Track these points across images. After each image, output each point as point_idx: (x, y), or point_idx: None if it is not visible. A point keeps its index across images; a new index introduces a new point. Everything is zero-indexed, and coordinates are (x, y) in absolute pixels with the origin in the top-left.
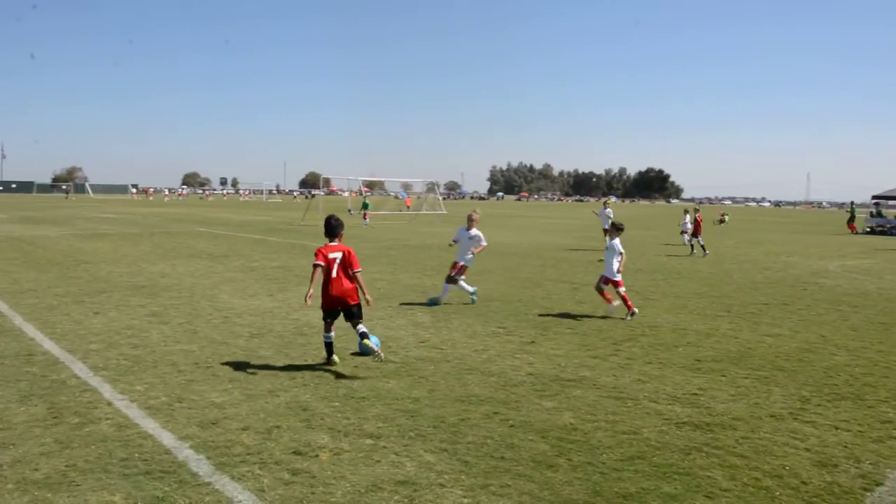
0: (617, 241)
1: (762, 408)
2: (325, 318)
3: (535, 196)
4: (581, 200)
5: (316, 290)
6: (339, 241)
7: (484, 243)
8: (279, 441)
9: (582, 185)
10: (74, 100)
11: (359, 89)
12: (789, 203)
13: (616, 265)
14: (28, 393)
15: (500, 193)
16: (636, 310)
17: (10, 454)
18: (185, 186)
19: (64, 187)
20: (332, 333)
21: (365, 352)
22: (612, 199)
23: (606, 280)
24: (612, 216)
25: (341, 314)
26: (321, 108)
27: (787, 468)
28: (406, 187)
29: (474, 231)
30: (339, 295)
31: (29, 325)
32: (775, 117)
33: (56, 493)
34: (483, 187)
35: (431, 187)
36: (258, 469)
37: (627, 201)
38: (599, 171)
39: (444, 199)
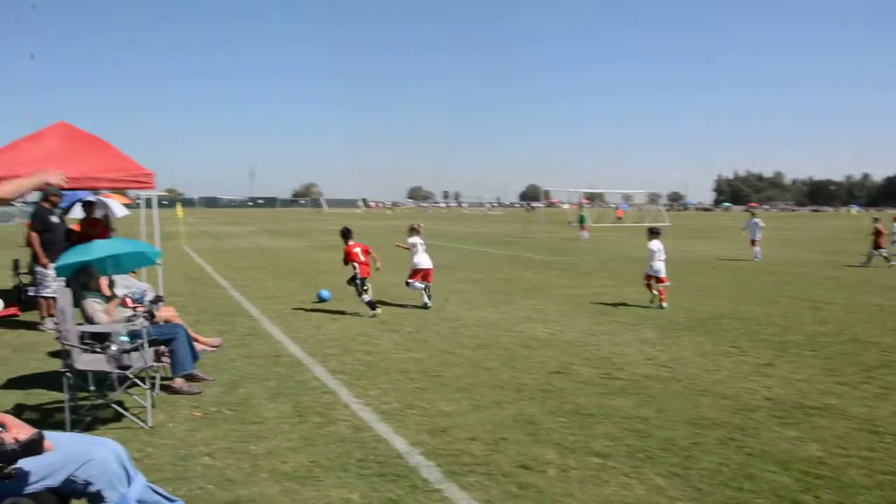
0: (651, 242)
1: None
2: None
3: (766, 206)
4: (817, 210)
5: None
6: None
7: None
8: (506, 453)
9: (818, 194)
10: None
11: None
12: None
13: (658, 264)
14: (277, 391)
15: (727, 204)
16: (665, 304)
17: (263, 446)
18: (410, 200)
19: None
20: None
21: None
22: (756, 209)
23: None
24: (761, 225)
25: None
26: (543, 121)
27: None
28: (626, 199)
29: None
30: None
31: (276, 328)
32: None
33: (302, 485)
34: (708, 198)
35: (653, 198)
36: (486, 480)
37: (873, 209)
38: (838, 177)
39: (666, 210)
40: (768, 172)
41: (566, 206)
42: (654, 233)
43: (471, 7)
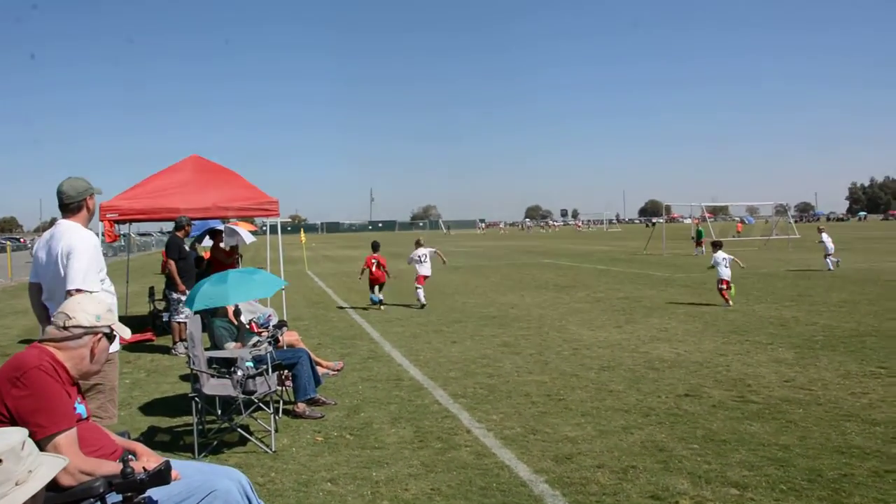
0: (716, 254)
1: None
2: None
3: None
4: None
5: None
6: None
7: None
8: (635, 483)
9: None
10: (420, 149)
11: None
12: None
13: (724, 271)
14: (398, 416)
15: (863, 213)
16: (731, 302)
17: (384, 472)
18: (528, 220)
19: (439, 223)
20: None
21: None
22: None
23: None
24: (826, 241)
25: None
26: (663, 137)
27: None
28: (752, 211)
29: (422, 250)
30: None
31: (396, 351)
32: None
33: None
34: (841, 207)
35: (781, 210)
36: None
37: None
38: None
39: (795, 222)
40: None
41: (688, 221)
42: (716, 245)
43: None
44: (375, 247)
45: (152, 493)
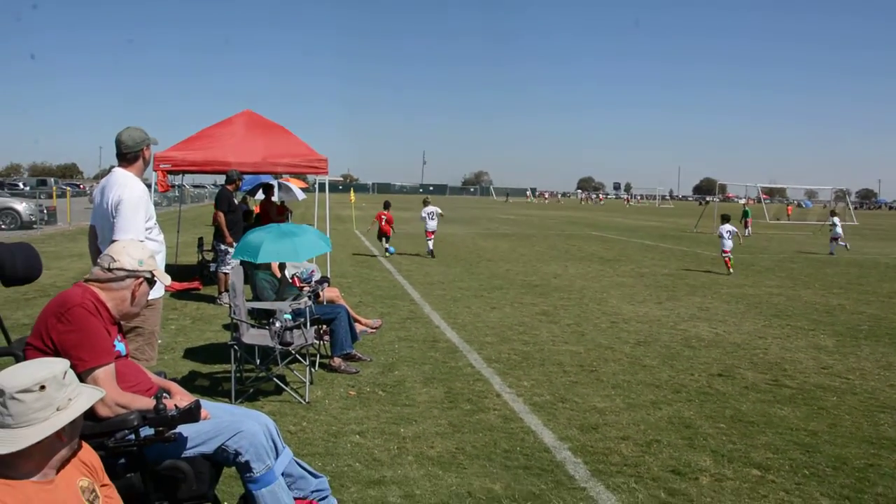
0: (722, 226)
1: None
2: None
3: None
4: None
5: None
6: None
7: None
8: (658, 456)
9: None
10: (476, 112)
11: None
12: None
13: (727, 243)
14: (431, 376)
15: None
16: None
17: (412, 429)
18: (580, 191)
19: (490, 189)
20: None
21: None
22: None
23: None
24: (837, 224)
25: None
26: (715, 111)
27: None
28: (811, 195)
29: (430, 209)
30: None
31: (435, 314)
32: None
33: (446, 471)
34: None
35: (841, 195)
36: (634, 482)
37: None
38: None
39: (855, 209)
40: None
41: (742, 201)
42: (725, 218)
43: None
44: (387, 205)
45: (182, 429)
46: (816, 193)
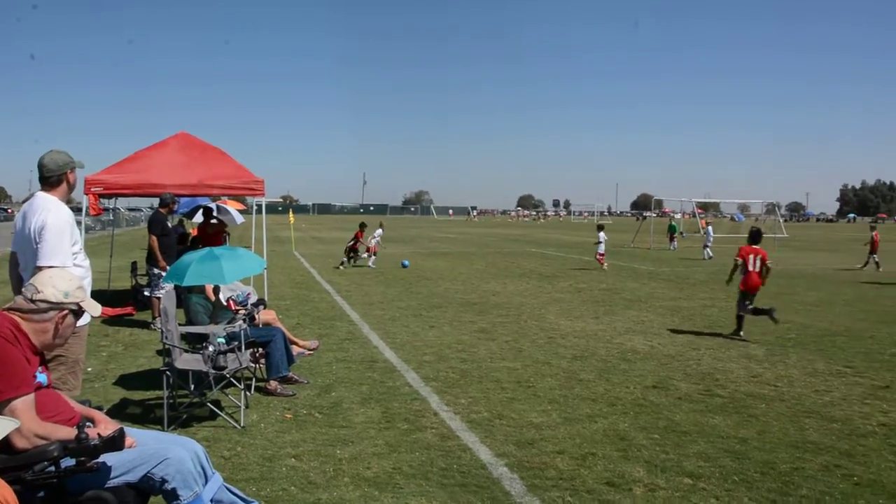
0: (600, 233)
1: None
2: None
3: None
4: None
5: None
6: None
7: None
8: (593, 469)
9: None
10: (405, 134)
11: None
12: None
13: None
14: (368, 396)
15: (852, 215)
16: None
17: (349, 450)
18: (519, 208)
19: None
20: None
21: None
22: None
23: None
24: (709, 232)
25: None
26: (652, 128)
27: None
28: (743, 209)
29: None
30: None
31: (374, 334)
32: None
33: (382, 491)
34: (831, 208)
35: (771, 209)
36: (569, 496)
37: None
38: None
39: (784, 221)
40: None
41: (678, 216)
42: (600, 227)
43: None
44: (362, 226)
45: (106, 458)
46: (749, 207)
